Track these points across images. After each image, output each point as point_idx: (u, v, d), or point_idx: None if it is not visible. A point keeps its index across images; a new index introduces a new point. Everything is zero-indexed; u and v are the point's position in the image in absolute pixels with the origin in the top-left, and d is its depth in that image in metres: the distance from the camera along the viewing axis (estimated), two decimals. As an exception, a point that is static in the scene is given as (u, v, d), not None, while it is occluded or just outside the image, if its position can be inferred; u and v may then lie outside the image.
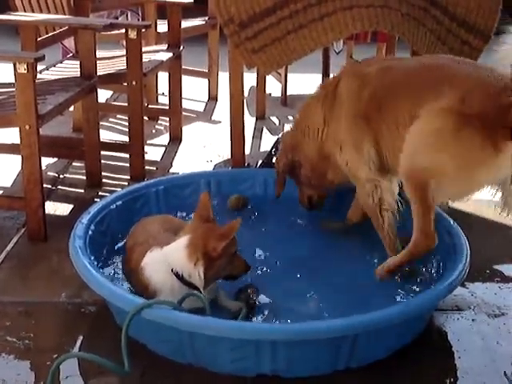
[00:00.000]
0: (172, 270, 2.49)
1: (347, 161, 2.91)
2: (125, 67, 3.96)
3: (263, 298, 2.70)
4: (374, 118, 2.78)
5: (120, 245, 3.05)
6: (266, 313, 2.63)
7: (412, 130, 2.59)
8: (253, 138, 4.79)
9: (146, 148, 4.21)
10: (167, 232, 2.77)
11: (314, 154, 3.06)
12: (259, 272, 2.90)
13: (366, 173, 2.86)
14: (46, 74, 4.04)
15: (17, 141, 3.18)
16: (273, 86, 5.58)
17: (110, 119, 5.09)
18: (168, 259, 2.51)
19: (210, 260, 2.45)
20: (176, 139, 4.79)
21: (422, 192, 2.59)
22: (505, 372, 2.46)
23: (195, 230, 2.52)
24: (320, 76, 5.36)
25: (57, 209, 3.64)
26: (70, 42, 4.78)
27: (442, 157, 2.53)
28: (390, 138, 2.75)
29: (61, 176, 4.09)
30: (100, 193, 3.84)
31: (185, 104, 5.00)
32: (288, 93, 5.60)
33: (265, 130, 5.04)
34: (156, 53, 4.59)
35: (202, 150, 4.63)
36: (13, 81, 3.07)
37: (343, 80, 2.92)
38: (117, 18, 5.76)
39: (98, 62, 3.84)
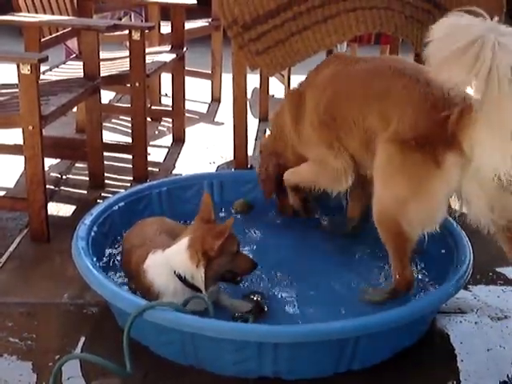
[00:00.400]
0: (175, 273, 2.50)
1: (316, 155, 3.02)
2: (128, 68, 3.96)
3: (270, 302, 2.70)
4: (332, 125, 2.89)
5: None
6: (272, 316, 2.63)
7: (374, 175, 2.67)
8: (256, 139, 4.79)
9: (149, 149, 4.21)
10: (163, 234, 2.79)
11: (292, 157, 3.18)
12: (263, 276, 2.89)
13: (337, 161, 2.92)
14: (49, 75, 4.04)
15: (20, 141, 3.19)
16: (276, 88, 5.58)
17: (113, 120, 5.09)
18: (170, 262, 2.52)
19: (209, 259, 2.46)
20: (179, 140, 4.79)
21: (395, 236, 2.63)
22: (508, 375, 2.45)
23: (195, 231, 2.53)
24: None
25: (59, 210, 3.64)
26: (73, 43, 4.79)
27: (397, 188, 2.58)
28: (351, 145, 2.86)
29: (64, 177, 4.09)
30: (103, 194, 3.84)
31: (188, 105, 5.01)
32: (291, 94, 5.59)
33: (268, 131, 5.04)
34: (159, 54, 4.59)
35: (205, 151, 4.63)
36: (16, 81, 3.08)
37: (309, 90, 3.02)
38: (120, 19, 5.77)
39: (101, 63, 3.85)
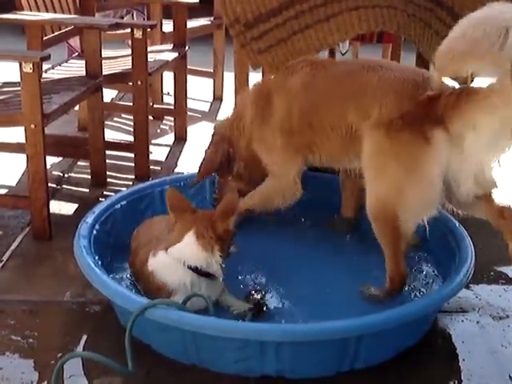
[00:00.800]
0: (189, 267, 2.51)
1: (274, 163, 3.02)
2: (130, 67, 3.97)
3: (271, 301, 2.70)
4: (307, 133, 2.89)
5: (125, 244, 3.05)
6: (274, 315, 2.63)
7: (363, 168, 2.69)
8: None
9: (151, 148, 4.22)
10: (171, 232, 2.78)
11: (244, 152, 3.16)
12: (265, 275, 2.90)
13: (293, 177, 2.98)
14: (51, 74, 4.04)
15: (22, 140, 3.19)
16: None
17: (115, 119, 5.09)
18: (182, 257, 2.53)
19: (223, 242, 2.52)
20: (181, 139, 4.79)
21: (391, 230, 2.63)
22: (510, 375, 2.45)
23: (194, 223, 2.55)
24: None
25: (61, 208, 3.65)
26: (75, 42, 4.79)
27: (390, 174, 2.59)
28: (328, 150, 2.89)
29: (66, 175, 4.09)
30: (105, 192, 3.84)
31: (190, 104, 5.01)
32: (293, 93, 5.59)
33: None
34: (161, 52, 4.60)
35: (207, 150, 4.62)
36: (18, 80, 3.08)
37: (277, 96, 2.98)
38: (122, 18, 5.77)
39: (103, 61, 3.84)
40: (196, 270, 2.52)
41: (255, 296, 2.69)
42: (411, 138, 2.54)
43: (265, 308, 2.64)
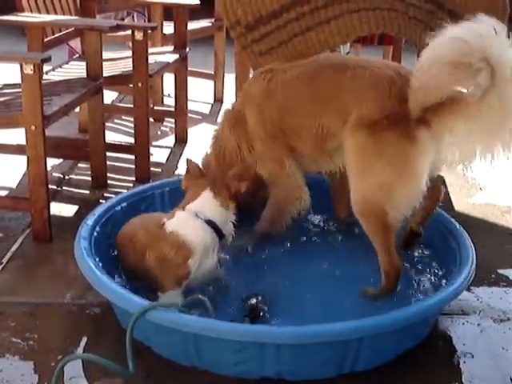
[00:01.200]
0: (207, 222, 2.62)
1: (268, 170, 3.00)
2: (131, 68, 3.97)
3: (268, 305, 2.68)
4: (281, 138, 2.90)
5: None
6: (272, 318, 2.62)
7: (347, 168, 2.71)
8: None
9: (152, 149, 4.22)
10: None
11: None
12: (261, 279, 2.89)
13: (294, 180, 2.97)
14: (52, 75, 4.05)
15: (22, 141, 3.18)
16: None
17: (116, 120, 5.09)
18: (201, 211, 2.64)
19: (236, 200, 2.71)
20: (181, 141, 4.79)
21: (380, 225, 2.64)
22: (511, 377, 2.45)
23: (208, 183, 2.69)
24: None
25: (62, 210, 3.64)
26: (76, 43, 4.79)
27: (377, 173, 2.60)
28: (304, 151, 2.91)
29: (66, 177, 4.09)
30: (105, 194, 3.84)
31: (190, 106, 5.00)
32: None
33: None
34: (162, 54, 4.59)
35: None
36: (19, 81, 3.08)
37: (247, 107, 2.99)
38: (123, 20, 5.76)
39: (103, 63, 3.84)
40: (213, 225, 2.63)
41: (251, 302, 2.67)
42: (397, 137, 2.56)
43: (261, 313, 2.63)
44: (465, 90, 2.45)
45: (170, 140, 4.85)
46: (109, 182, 3.98)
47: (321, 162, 2.94)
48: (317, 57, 3.00)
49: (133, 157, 4.09)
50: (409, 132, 2.54)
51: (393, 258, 2.68)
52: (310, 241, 3.23)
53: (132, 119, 4.15)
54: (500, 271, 3.15)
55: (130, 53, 4.13)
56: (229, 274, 2.84)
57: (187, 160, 2.83)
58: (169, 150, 4.66)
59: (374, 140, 2.59)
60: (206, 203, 2.67)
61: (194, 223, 2.63)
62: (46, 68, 3.98)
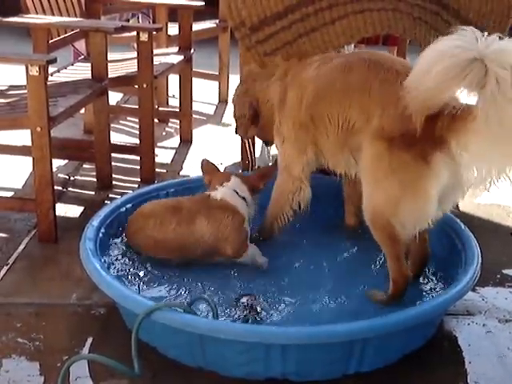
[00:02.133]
0: (241, 196, 3.03)
1: (286, 154, 3.06)
2: (136, 70, 3.97)
3: (263, 305, 2.68)
4: (311, 127, 2.90)
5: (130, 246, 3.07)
6: (273, 319, 2.63)
7: (361, 174, 2.70)
8: (263, 140, 4.78)
9: (157, 150, 4.22)
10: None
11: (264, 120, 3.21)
12: (257, 279, 2.89)
13: (299, 172, 3.02)
14: (57, 77, 4.05)
15: (28, 143, 3.19)
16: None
17: (121, 121, 5.10)
18: (236, 188, 3.03)
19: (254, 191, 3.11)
20: (186, 142, 4.80)
21: (389, 236, 2.63)
22: (516, 378, 2.45)
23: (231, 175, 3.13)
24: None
25: (67, 211, 3.65)
26: (81, 45, 4.79)
27: (388, 189, 2.58)
28: (326, 146, 2.89)
29: (71, 178, 4.10)
30: (110, 195, 3.85)
31: (195, 106, 5.01)
32: (298, 96, 5.58)
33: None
34: (167, 55, 4.60)
35: (212, 152, 4.63)
36: (24, 83, 3.09)
37: (291, 88, 3.00)
38: (128, 21, 5.78)
39: (109, 64, 3.85)
40: (245, 200, 3.03)
41: (247, 301, 2.68)
42: (412, 159, 2.51)
43: (259, 310, 2.63)
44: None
45: (174, 141, 4.85)
46: (114, 182, 3.99)
47: (339, 158, 2.88)
48: (360, 50, 2.99)
49: (138, 158, 4.10)
50: (425, 155, 2.49)
51: (401, 267, 2.67)
52: (311, 242, 3.22)
53: (137, 120, 4.16)
54: (505, 271, 3.14)
55: (134, 54, 4.14)
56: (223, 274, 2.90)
57: (203, 160, 3.18)
58: (174, 151, 4.66)
59: (392, 157, 2.55)
60: (238, 185, 3.04)
61: (236, 196, 3.02)
62: (51, 69, 3.99)
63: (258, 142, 4.29)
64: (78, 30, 4.23)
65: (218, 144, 4.79)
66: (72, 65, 4.37)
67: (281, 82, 3.06)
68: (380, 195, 2.62)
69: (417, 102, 2.42)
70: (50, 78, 3.88)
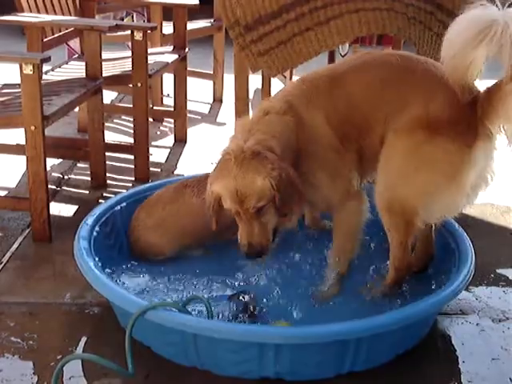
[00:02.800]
0: None
1: (338, 183, 2.69)
2: (130, 68, 3.97)
3: (259, 303, 2.68)
4: (353, 135, 2.65)
5: (125, 246, 3.07)
6: (262, 317, 2.62)
7: (384, 159, 2.58)
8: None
9: (151, 149, 4.22)
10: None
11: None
12: (258, 277, 2.88)
13: (354, 186, 2.71)
14: (51, 75, 4.05)
15: (22, 141, 3.19)
16: (278, 89, 5.58)
17: (115, 120, 5.10)
18: None
19: None
20: (181, 141, 4.80)
21: (404, 223, 2.61)
22: (510, 377, 2.45)
23: None
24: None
25: (61, 210, 3.64)
26: (75, 43, 4.79)
27: (423, 179, 2.55)
28: (369, 147, 2.67)
29: (65, 177, 4.09)
30: (105, 194, 3.84)
31: (190, 106, 5.01)
32: (293, 95, 5.58)
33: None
34: (161, 54, 4.60)
35: (207, 151, 4.62)
36: (18, 82, 3.08)
37: (306, 114, 2.62)
38: (122, 20, 5.77)
39: (103, 63, 3.85)
40: None
41: (243, 299, 2.67)
42: (457, 148, 2.49)
43: (253, 308, 2.62)
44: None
45: (169, 140, 4.85)
46: (108, 181, 3.98)
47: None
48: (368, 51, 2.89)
49: (132, 157, 4.09)
50: (468, 142, 2.48)
51: (407, 256, 2.69)
52: (305, 241, 3.21)
53: (131, 119, 4.15)
54: (499, 271, 3.15)
55: (129, 53, 4.14)
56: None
57: None
58: (168, 150, 4.66)
59: (432, 145, 2.51)
60: None
61: None
62: (45, 68, 3.99)
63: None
64: (73, 28, 4.22)
65: (212, 143, 4.78)
66: (66, 63, 4.37)
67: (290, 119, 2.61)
68: (411, 185, 2.56)
69: (453, 72, 2.43)
70: (44, 77, 3.87)
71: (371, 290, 2.75)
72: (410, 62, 2.64)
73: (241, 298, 2.68)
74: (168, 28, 5.11)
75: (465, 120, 2.49)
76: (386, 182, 2.61)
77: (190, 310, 2.43)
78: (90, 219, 2.96)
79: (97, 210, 3.05)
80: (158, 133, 5.00)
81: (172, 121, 4.97)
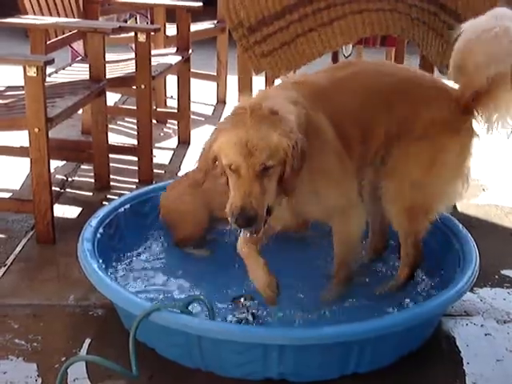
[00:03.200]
0: None
1: (344, 188, 2.57)
2: (134, 70, 3.97)
3: (260, 306, 2.67)
4: (355, 141, 2.58)
5: (128, 247, 3.07)
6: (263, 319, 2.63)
7: (400, 165, 2.62)
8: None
9: (155, 151, 4.22)
10: None
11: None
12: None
13: (357, 195, 2.65)
14: (55, 77, 4.05)
15: (26, 144, 3.19)
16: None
17: (119, 122, 5.10)
18: None
19: None
20: (184, 142, 4.80)
21: (424, 223, 2.71)
22: (514, 378, 2.45)
23: None
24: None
25: (65, 212, 3.65)
26: (79, 45, 4.79)
27: (445, 176, 2.66)
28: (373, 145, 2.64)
29: (69, 179, 4.09)
30: (108, 196, 3.84)
31: (193, 107, 5.01)
32: (296, 96, 5.58)
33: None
34: (165, 56, 4.60)
35: (211, 153, 4.63)
36: (22, 84, 3.08)
37: (313, 113, 2.45)
38: (126, 21, 5.78)
39: (106, 65, 3.86)
40: None
41: (244, 302, 2.68)
42: (461, 143, 2.65)
43: (255, 311, 2.62)
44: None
45: (172, 142, 4.85)
46: (112, 183, 3.98)
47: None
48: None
49: (136, 158, 4.10)
50: (468, 139, 2.65)
51: (420, 252, 2.78)
52: (304, 243, 3.21)
53: (135, 121, 4.16)
54: (503, 272, 3.14)
55: (132, 55, 4.14)
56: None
57: None
58: (172, 152, 4.66)
59: (444, 150, 2.62)
60: None
61: None
62: (49, 70, 3.98)
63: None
64: (76, 30, 4.22)
65: (216, 145, 4.78)
66: (70, 66, 4.37)
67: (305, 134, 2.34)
68: (433, 187, 2.65)
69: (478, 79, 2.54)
70: (47, 79, 3.87)
71: (386, 286, 2.79)
72: (406, 69, 2.76)
73: (243, 299, 2.68)
74: (171, 30, 5.11)
75: (462, 117, 2.62)
76: (404, 186, 2.64)
77: (193, 311, 2.43)
78: (93, 221, 2.96)
79: (100, 212, 3.05)
80: (162, 134, 5.00)
81: (175, 122, 4.97)
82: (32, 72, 3.02)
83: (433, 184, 2.65)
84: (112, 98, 5.20)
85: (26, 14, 3.94)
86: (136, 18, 5.96)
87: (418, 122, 2.61)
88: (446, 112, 2.61)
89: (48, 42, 3.94)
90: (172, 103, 5.32)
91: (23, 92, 3.11)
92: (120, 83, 4.17)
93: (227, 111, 5.33)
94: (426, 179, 2.63)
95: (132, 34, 4.07)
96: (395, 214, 2.70)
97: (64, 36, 4.18)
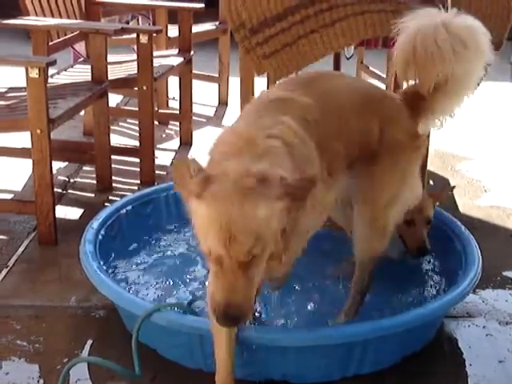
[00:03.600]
0: None
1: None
2: (136, 72, 3.98)
3: (261, 307, 2.66)
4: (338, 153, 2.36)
5: (130, 249, 3.07)
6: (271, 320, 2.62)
7: (375, 178, 2.48)
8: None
9: (157, 152, 4.22)
10: None
11: None
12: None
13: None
14: (57, 79, 4.05)
15: (28, 145, 3.19)
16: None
17: (121, 123, 5.10)
18: None
19: None
20: (186, 144, 4.80)
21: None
22: (517, 380, 2.45)
23: None
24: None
25: (67, 213, 3.65)
26: (81, 47, 4.79)
27: (412, 183, 2.62)
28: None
29: (71, 180, 4.09)
30: (110, 197, 3.84)
31: (195, 109, 5.01)
32: (298, 98, 5.58)
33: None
34: (167, 57, 4.60)
35: (212, 154, 4.63)
36: (24, 85, 3.08)
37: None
38: (128, 23, 5.78)
39: (108, 66, 3.86)
40: None
41: None
42: (421, 150, 2.61)
43: (257, 311, 2.61)
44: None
45: (174, 143, 4.85)
46: (114, 185, 3.99)
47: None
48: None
49: (138, 160, 4.10)
50: (418, 146, 2.57)
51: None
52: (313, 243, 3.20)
53: (137, 122, 4.15)
54: (505, 273, 3.14)
55: (134, 56, 4.14)
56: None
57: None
58: (174, 153, 4.66)
59: (410, 160, 2.57)
60: None
61: None
62: (51, 71, 3.99)
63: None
64: (78, 32, 4.23)
65: (217, 146, 4.78)
66: (72, 67, 4.37)
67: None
68: (407, 196, 2.60)
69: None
70: (49, 80, 3.87)
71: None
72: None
73: None
74: (173, 31, 5.11)
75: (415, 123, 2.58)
76: (378, 209, 2.51)
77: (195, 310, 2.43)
78: (95, 222, 2.96)
79: (102, 214, 3.06)
80: (164, 136, 5.00)
81: (177, 124, 4.97)
82: (34, 73, 3.02)
83: (403, 199, 2.57)
84: (114, 99, 5.20)
85: (28, 15, 3.94)
86: (138, 20, 5.96)
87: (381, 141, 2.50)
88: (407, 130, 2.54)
89: (50, 44, 3.93)
90: (174, 104, 5.32)
91: (25, 93, 3.11)
92: (122, 84, 4.17)
93: (229, 112, 5.34)
94: (399, 195, 2.56)
95: (134, 35, 4.07)
96: (364, 237, 2.54)
97: (66, 37, 4.17)
